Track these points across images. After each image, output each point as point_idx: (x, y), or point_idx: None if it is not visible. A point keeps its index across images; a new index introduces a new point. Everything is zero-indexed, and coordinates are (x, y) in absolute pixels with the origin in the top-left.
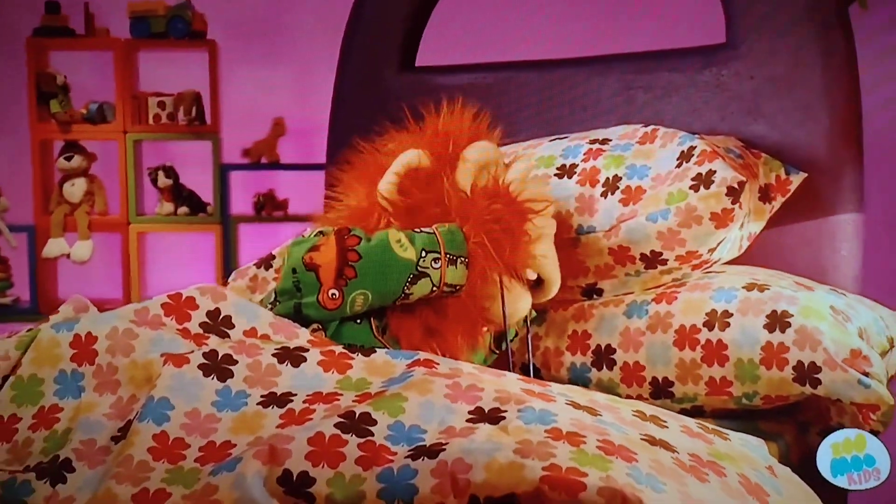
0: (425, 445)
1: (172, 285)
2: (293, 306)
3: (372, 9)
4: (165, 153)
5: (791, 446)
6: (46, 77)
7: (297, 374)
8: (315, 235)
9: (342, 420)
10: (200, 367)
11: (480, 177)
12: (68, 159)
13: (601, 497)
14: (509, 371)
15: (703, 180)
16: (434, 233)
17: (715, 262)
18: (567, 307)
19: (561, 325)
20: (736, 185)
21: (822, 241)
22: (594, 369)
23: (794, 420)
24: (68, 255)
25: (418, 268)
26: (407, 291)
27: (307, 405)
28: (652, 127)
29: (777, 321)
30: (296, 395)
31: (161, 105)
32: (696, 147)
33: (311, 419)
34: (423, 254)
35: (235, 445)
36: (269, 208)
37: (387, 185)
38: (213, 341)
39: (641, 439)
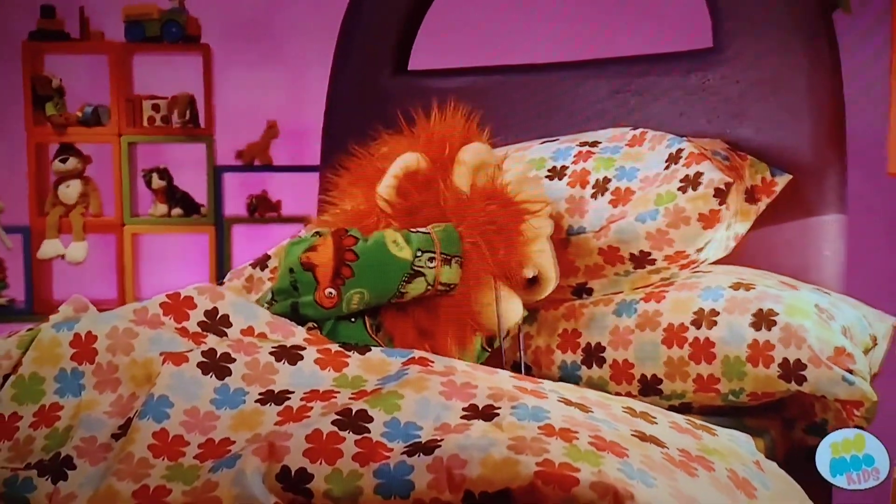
0: (421, 442)
1: (166, 286)
2: (290, 305)
3: (366, 14)
4: (159, 155)
5: (777, 442)
6: (42, 80)
7: (294, 372)
8: (312, 235)
9: (339, 417)
10: (199, 365)
11: (477, 178)
12: (63, 161)
13: (593, 491)
14: (501, 369)
15: (691, 182)
16: (429, 233)
17: (702, 262)
18: (558, 306)
19: (552, 324)
20: (723, 187)
21: (807, 241)
22: (584, 367)
23: (779, 416)
24: (63, 257)
25: (413, 267)
26: (402, 290)
27: (304, 403)
28: (640, 130)
29: (763, 319)
30: (293, 392)
31: (155, 108)
32: (683, 149)
33: (309, 416)
34: (419, 253)
35: (234, 442)
36: (262, 210)
37: (386, 187)
38: (212, 340)
39: (632, 435)
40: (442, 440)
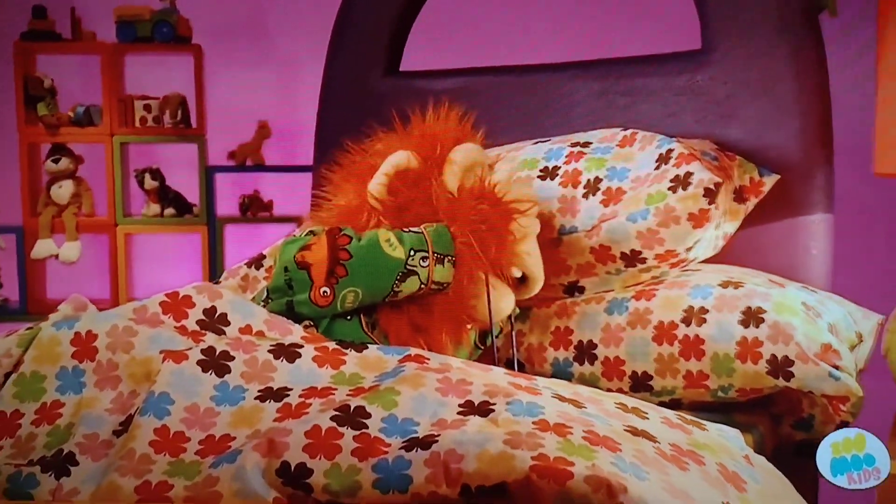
0: (418, 437)
1: (159, 285)
2: (285, 304)
3: (357, 15)
4: (152, 155)
5: (765, 436)
6: (34, 80)
7: (292, 370)
8: (306, 235)
9: (338, 413)
10: (199, 363)
11: (467, 178)
12: (56, 162)
13: (587, 485)
14: (494, 366)
15: (681, 182)
16: (422, 232)
17: (692, 261)
18: (550, 304)
19: (544, 322)
20: (712, 187)
21: (794, 240)
22: (576, 364)
23: (767, 412)
24: (56, 256)
25: (407, 266)
26: (396, 289)
27: (303, 399)
28: (631, 130)
29: (751, 317)
30: (292, 389)
31: (147, 108)
32: (673, 150)
33: (308, 413)
34: (412, 252)
35: (234, 438)
36: (254, 209)
37: (376, 185)
38: (210, 338)
39: (624, 430)
40: (439, 435)
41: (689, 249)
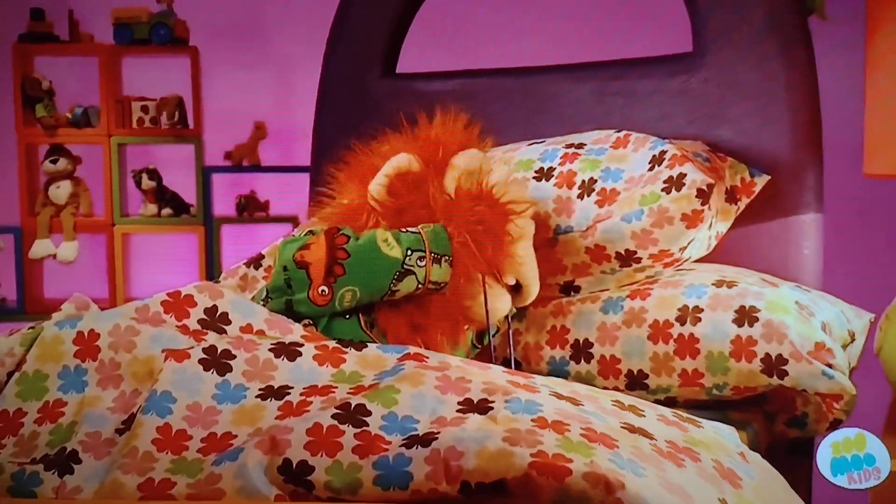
0: (418, 435)
1: (157, 285)
2: (284, 303)
3: (354, 17)
4: (149, 156)
5: (759, 434)
6: (32, 82)
7: (293, 368)
8: (305, 234)
9: (339, 411)
10: (201, 361)
11: (465, 181)
12: (54, 162)
13: (586, 482)
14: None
15: (675, 183)
16: (419, 233)
17: (685, 261)
18: (546, 304)
19: (540, 321)
20: (705, 188)
21: (786, 239)
22: (572, 362)
23: (761, 409)
24: (54, 256)
25: (404, 266)
26: (393, 288)
27: (304, 397)
28: (624, 132)
29: (745, 316)
30: (293, 387)
31: (144, 109)
32: (667, 151)
33: (309, 411)
34: (409, 252)
35: (236, 436)
36: (250, 209)
37: (377, 186)
38: (212, 337)
39: (621, 427)
40: (439, 433)
41: (682, 249)
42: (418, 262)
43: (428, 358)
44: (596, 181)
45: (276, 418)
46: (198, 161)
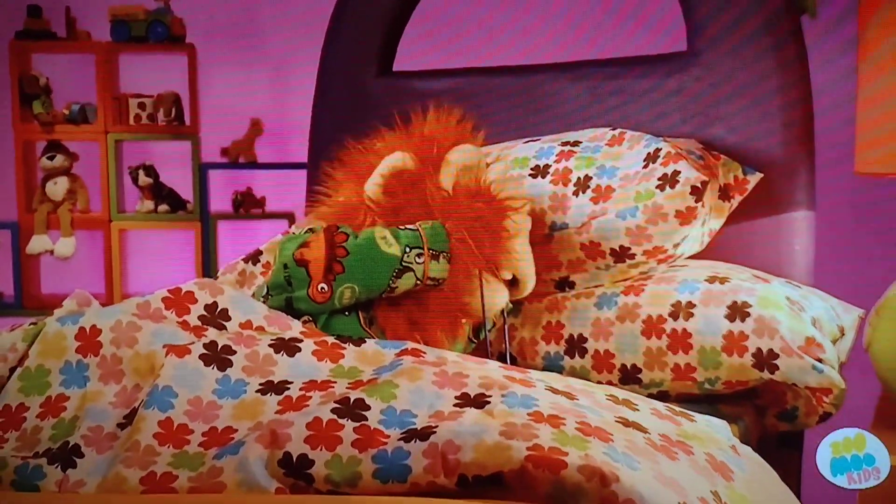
0: (416, 429)
1: (153, 281)
2: (284, 300)
3: (351, 15)
4: (146, 153)
5: (750, 427)
6: (29, 79)
7: (292, 364)
8: (305, 232)
9: (338, 406)
10: (201, 357)
11: (462, 177)
12: (51, 159)
13: (581, 474)
14: (488, 359)
15: (669, 180)
16: (418, 230)
17: (679, 257)
18: (541, 299)
19: (536, 316)
20: (699, 185)
21: (778, 236)
22: (567, 357)
23: (752, 403)
24: (51, 252)
25: (403, 263)
26: (392, 285)
27: (303, 392)
28: (619, 130)
29: (737, 311)
30: (292, 382)
31: (141, 106)
32: (661, 149)
33: (308, 405)
34: (408, 250)
35: (237, 431)
36: (247, 206)
37: (372, 186)
38: (212, 333)
39: (616, 421)
40: (436, 427)
41: (676, 246)
42: (417, 258)
43: (425, 353)
44: (591, 178)
45: (277, 413)
46: (194, 158)
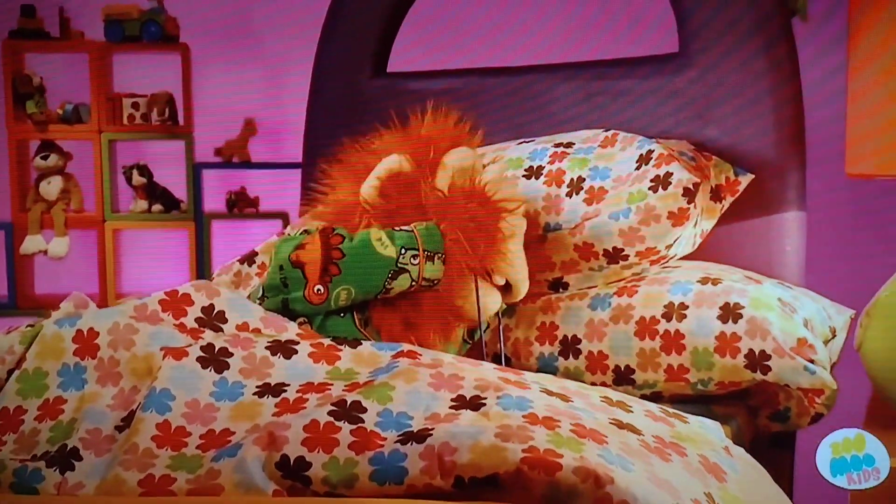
0: (413, 431)
1: (147, 281)
2: (280, 301)
3: (346, 16)
4: (139, 152)
5: (743, 428)
6: (22, 78)
7: (289, 366)
8: (301, 234)
9: (335, 408)
10: (199, 359)
11: (458, 179)
12: (44, 158)
13: (576, 476)
14: (482, 360)
15: (661, 182)
16: (412, 231)
17: (671, 258)
18: (535, 300)
19: (530, 317)
20: (691, 187)
21: (769, 237)
22: (561, 358)
23: (745, 404)
24: (45, 252)
25: (398, 264)
26: (388, 286)
27: (300, 394)
28: (612, 131)
29: (729, 312)
30: (289, 385)
31: (135, 106)
32: (653, 150)
33: (305, 407)
34: (403, 251)
35: (234, 433)
36: (241, 206)
37: (368, 188)
38: (209, 335)
39: (610, 423)
40: (433, 429)
41: (668, 247)
42: (412, 259)
43: (421, 355)
44: (584, 179)
45: (274, 415)
46: (188, 157)
